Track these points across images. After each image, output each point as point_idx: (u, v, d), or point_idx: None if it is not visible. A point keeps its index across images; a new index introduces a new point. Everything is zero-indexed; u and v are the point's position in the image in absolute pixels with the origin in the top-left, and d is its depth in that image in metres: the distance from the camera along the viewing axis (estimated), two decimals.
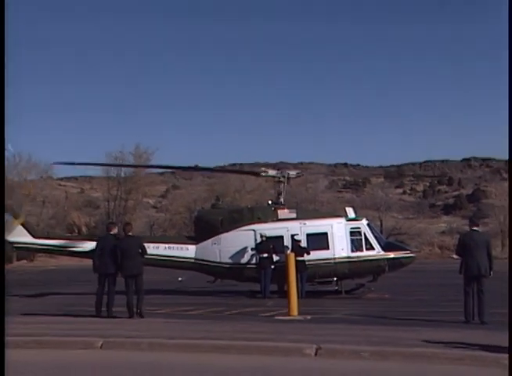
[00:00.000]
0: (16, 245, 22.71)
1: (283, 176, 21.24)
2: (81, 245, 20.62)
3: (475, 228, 13.31)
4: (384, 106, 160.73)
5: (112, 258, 13.95)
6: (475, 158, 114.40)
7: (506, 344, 9.43)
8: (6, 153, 22.14)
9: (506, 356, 8.68)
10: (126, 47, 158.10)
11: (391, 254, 19.82)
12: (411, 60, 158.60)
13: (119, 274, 14.11)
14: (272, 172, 21.90)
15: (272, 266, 19.01)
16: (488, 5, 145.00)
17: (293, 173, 22.64)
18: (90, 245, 17.86)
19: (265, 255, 19.13)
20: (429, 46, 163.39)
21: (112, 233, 14.58)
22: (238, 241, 19.99)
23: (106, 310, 13.84)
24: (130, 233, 14.34)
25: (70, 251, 21.33)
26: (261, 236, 19.38)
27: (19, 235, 21.26)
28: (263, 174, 22.59)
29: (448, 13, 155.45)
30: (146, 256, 14.66)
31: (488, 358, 8.73)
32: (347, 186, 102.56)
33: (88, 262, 16.22)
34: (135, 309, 13.64)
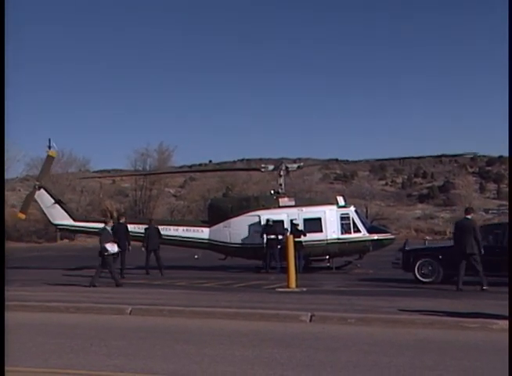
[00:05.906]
0: (59, 227, 22.79)
1: (283, 170, 21.21)
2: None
3: (468, 216, 13.45)
4: (371, 111, 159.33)
5: (121, 239, 16.60)
6: (445, 155, 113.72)
7: (466, 310, 9.55)
8: (51, 150, 22.02)
9: (466, 319, 8.84)
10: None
11: (375, 236, 19.76)
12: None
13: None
14: (270, 168, 21.88)
15: (279, 246, 18.64)
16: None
17: (294, 166, 22.61)
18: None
19: (272, 237, 19.06)
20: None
21: (121, 221, 18.12)
22: (245, 225, 19.95)
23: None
24: (154, 226, 19.09)
25: None
26: (268, 220, 19.30)
27: (61, 218, 21.33)
28: (263, 170, 22.53)
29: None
30: (167, 237, 19.71)
31: (452, 322, 8.83)
32: (338, 178, 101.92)
33: None
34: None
